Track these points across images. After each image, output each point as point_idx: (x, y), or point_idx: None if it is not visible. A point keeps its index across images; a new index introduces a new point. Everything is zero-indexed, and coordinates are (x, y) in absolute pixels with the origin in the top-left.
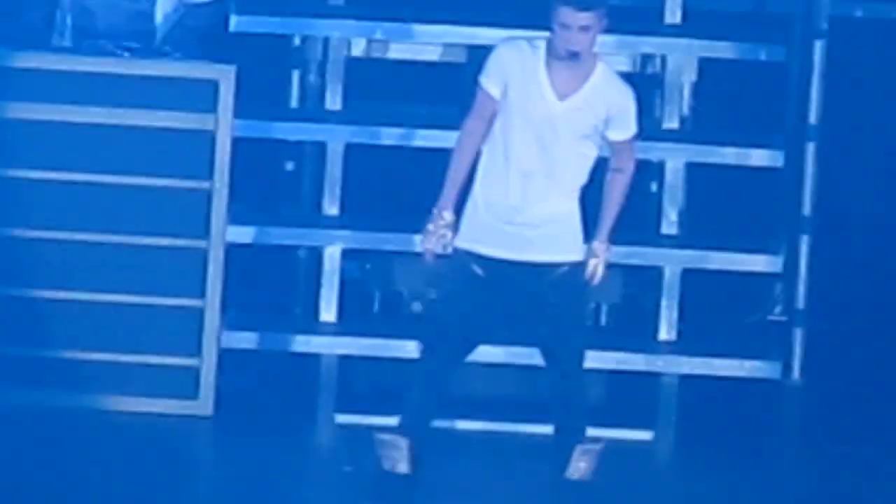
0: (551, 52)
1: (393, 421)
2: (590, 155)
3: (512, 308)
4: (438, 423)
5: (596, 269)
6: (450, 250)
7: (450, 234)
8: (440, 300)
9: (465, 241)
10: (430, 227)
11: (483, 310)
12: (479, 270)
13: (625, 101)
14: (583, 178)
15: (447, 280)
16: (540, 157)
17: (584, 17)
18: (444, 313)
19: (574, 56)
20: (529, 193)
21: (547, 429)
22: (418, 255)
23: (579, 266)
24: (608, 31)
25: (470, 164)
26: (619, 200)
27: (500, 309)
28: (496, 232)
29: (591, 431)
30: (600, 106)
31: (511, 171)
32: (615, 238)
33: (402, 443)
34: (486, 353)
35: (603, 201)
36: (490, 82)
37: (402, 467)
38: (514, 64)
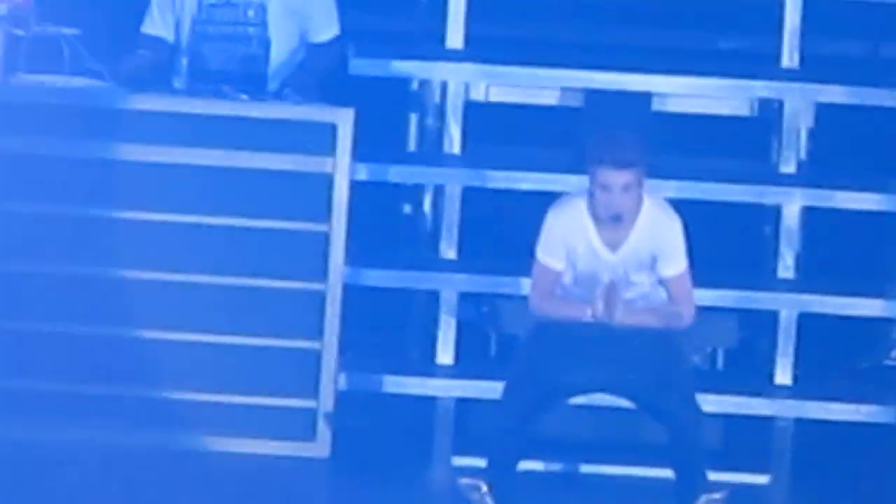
0: (594, 214)
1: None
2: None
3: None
4: (548, 467)
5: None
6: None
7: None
8: (528, 346)
9: None
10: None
11: (578, 356)
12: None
13: (673, 235)
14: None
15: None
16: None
17: (625, 176)
18: (536, 358)
19: (617, 219)
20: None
21: (665, 472)
22: None
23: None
24: (727, 75)
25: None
26: (660, 317)
27: (594, 355)
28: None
29: (712, 475)
30: (651, 247)
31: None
32: (732, 282)
33: (483, 485)
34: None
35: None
36: (550, 256)
37: None
38: (568, 231)
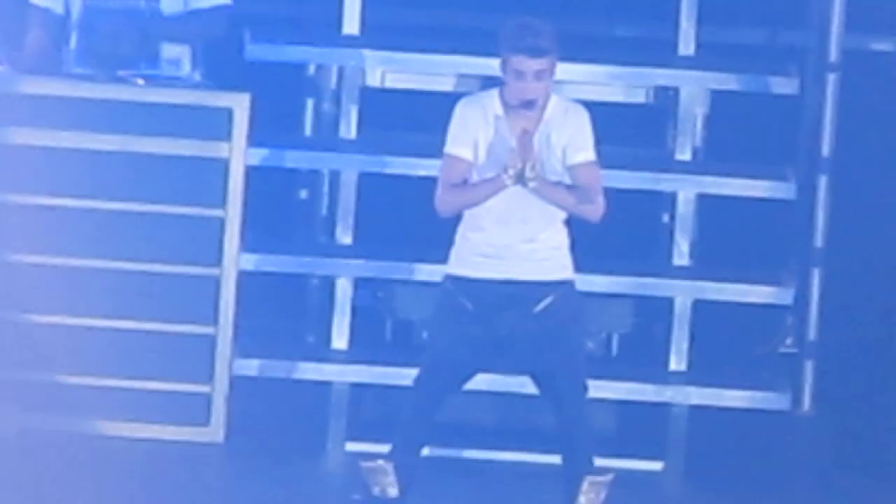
0: (505, 103)
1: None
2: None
3: (502, 336)
4: (444, 452)
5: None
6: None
7: None
8: (430, 330)
9: (452, 268)
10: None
11: (473, 339)
12: (465, 299)
13: (583, 124)
14: (561, 213)
15: (436, 309)
16: (515, 203)
17: (540, 63)
18: (432, 342)
19: (529, 105)
20: (511, 237)
21: (554, 458)
22: (427, 283)
23: (570, 294)
24: (623, 62)
25: None
26: (575, 196)
27: (491, 338)
28: (482, 261)
29: (602, 461)
30: (561, 138)
31: (490, 220)
32: (627, 268)
33: (388, 468)
34: (491, 380)
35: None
36: (459, 146)
37: (392, 491)
38: (479, 121)
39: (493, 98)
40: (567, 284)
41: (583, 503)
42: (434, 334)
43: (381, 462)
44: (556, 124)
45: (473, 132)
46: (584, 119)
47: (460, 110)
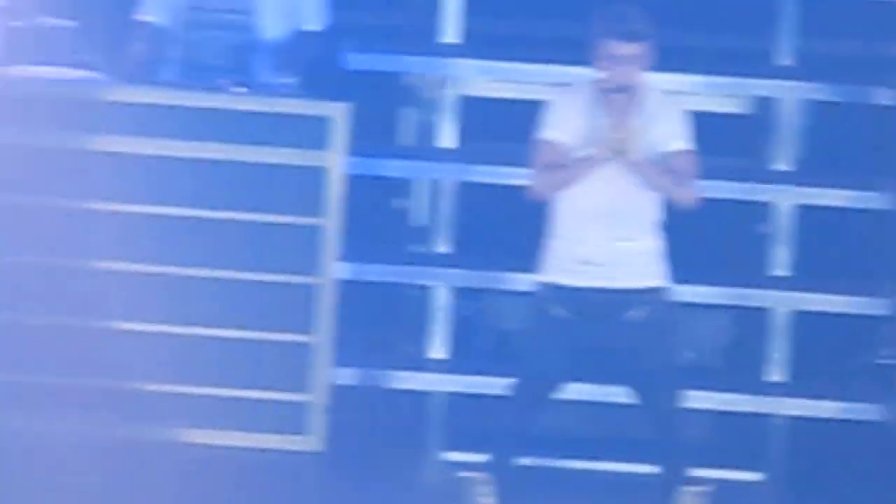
0: (601, 89)
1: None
2: None
3: (597, 345)
4: (541, 462)
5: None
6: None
7: None
8: (524, 339)
9: (544, 276)
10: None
11: (567, 348)
12: (560, 308)
13: (679, 112)
14: (656, 211)
15: (529, 318)
16: (608, 200)
17: (634, 48)
18: (527, 352)
19: (625, 90)
20: (605, 238)
21: (651, 469)
22: (525, 293)
23: (665, 301)
24: (722, 73)
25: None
26: (673, 179)
27: (585, 346)
28: (575, 267)
29: (700, 472)
30: (658, 125)
31: (583, 221)
32: (725, 279)
33: (486, 478)
34: (587, 390)
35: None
36: (553, 129)
37: (489, 502)
38: (573, 107)
39: (587, 85)
40: (662, 292)
41: None
42: (528, 343)
43: (478, 473)
44: (653, 111)
45: (567, 117)
46: (680, 108)
47: (554, 97)
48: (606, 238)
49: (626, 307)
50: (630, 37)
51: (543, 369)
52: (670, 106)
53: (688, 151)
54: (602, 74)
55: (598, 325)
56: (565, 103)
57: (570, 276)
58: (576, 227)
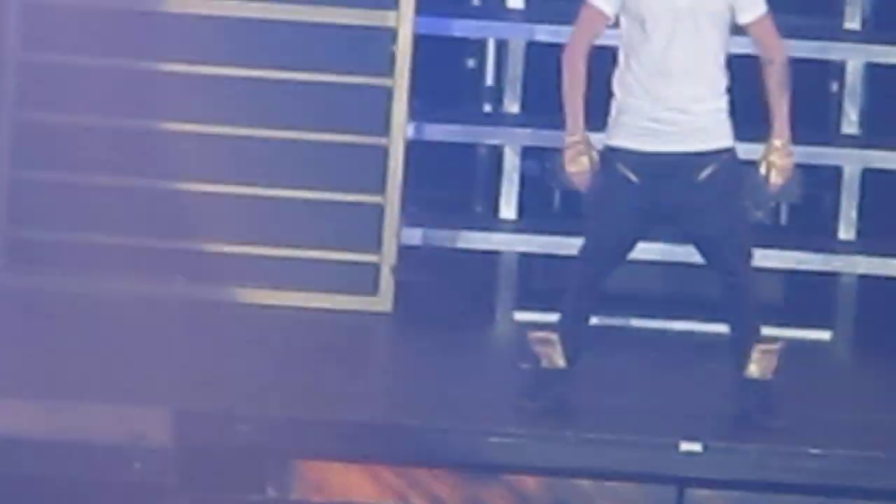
0: None
1: None
2: (724, 48)
3: (665, 206)
4: (612, 322)
5: (772, 167)
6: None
7: (591, 151)
8: (592, 199)
9: (611, 139)
10: (568, 155)
11: (635, 209)
12: (628, 171)
13: None
14: (722, 73)
15: (597, 179)
16: (674, 54)
17: None
18: (595, 213)
19: None
20: (671, 95)
21: (721, 328)
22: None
23: (732, 162)
24: None
25: (585, 84)
26: (780, 92)
27: (654, 208)
28: (642, 129)
29: (770, 331)
30: None
31: (649, 75)
32: (795, 137)
33: (554, 338)
34: (658, 249)
35: (768, 100)
36: (602, 1)
37: (559, 362)
38: None
39: None
40: (729, 152)
41: (754, 371)
42: (597, 204)
43: (549, 332)
44: None
45: None
46: None
47: None
48: (673, 100)
49: (693, 168)
50: None
51: (612, 230)
52: None
53: (766, 14)
54: None
55: (666, 187)
56: None
57: (635, 141)
58: (645, 88)
